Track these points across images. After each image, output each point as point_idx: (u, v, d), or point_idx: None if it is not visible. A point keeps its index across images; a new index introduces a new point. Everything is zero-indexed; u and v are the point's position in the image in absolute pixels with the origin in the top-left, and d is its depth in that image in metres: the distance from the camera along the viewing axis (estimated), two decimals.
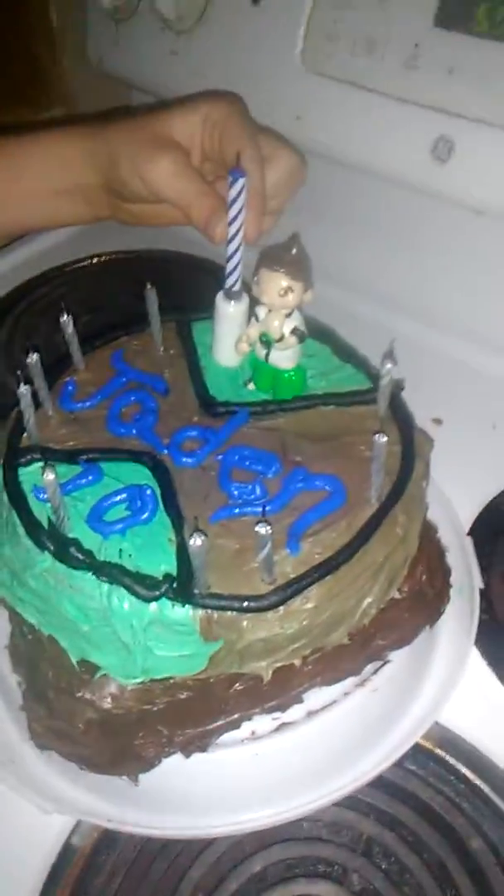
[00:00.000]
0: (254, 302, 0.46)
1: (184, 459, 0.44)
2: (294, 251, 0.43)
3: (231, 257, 0.47)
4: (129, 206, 0.57)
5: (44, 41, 1.02)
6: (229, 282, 0.47)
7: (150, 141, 0.52)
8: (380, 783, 0.46)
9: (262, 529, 0.35)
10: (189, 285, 0.80)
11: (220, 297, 0.48)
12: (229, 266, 0.47)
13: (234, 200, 0.44)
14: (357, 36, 0.61)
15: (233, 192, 0.44)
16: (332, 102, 0.65)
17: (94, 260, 0.85)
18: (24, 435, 0.45)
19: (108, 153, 0.54)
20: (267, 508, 0.40)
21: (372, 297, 0.73)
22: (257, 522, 0.35)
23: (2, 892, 0.43)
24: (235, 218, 0.45)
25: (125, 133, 0.54)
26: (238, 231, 0.46)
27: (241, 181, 0.44)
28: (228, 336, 0.49)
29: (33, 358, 0.44)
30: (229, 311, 0.48)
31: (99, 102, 1.02)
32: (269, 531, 0.35)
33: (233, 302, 0.48)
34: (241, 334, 0.48)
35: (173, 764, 0.43)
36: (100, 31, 0.82)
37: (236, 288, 0.47)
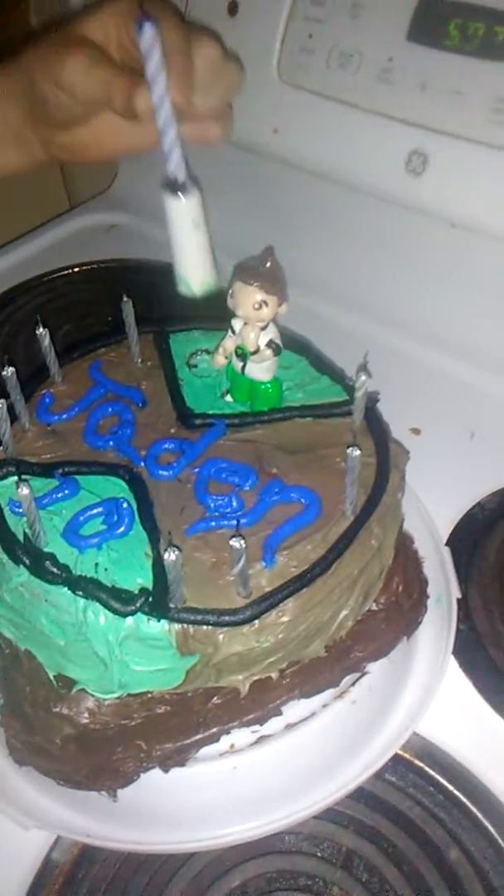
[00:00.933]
0: (230, 315, 0.46)
1: (160, 472, 0.44)
2: (268, 264, 0.44)
3: (164, 133, 0.39)
4: (61, 139, 0.53)
5: (23, 43, 1.03)
6: (170, 167, 0.39)
7: (60, 46, 0.49)
8: (359, 795, 0.46)
9: (237, 543, 0.35)
10: (170, 295, 0.81)
11: (164, 192, 0.39)
12: (164, 145, 0.39)
13: (148, 55, 0.38)
14: (332, 49, 0.62)
15: (144, 44, 0.38)
16: (309, 115, 0.65)
17: (76, 269, 0.85)
18: (0, 448, 0.45)
19: (25, 76, 0.51)
20: (241, 522, 0.40)
21: (350, 308, 0.73)
22: (232, 536, 0.35)
23: None
24: (155, 79, 0.38)
25: (39, 51, 0.51)
26: (163, 97, 0.39)
27: (148, 29, 0.37)
28: (187, 243, 0.41)
29: (8, 371, 0.44)
30: (180, 207, 0.39)
31: None
32: (244, 545, 0.35)
33: (181, 195, 0.39)
34: (219, 346, 0.48)
35: (152, 778, 0.43)
36: None
37: (180, 177, 0.39)
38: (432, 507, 0.58)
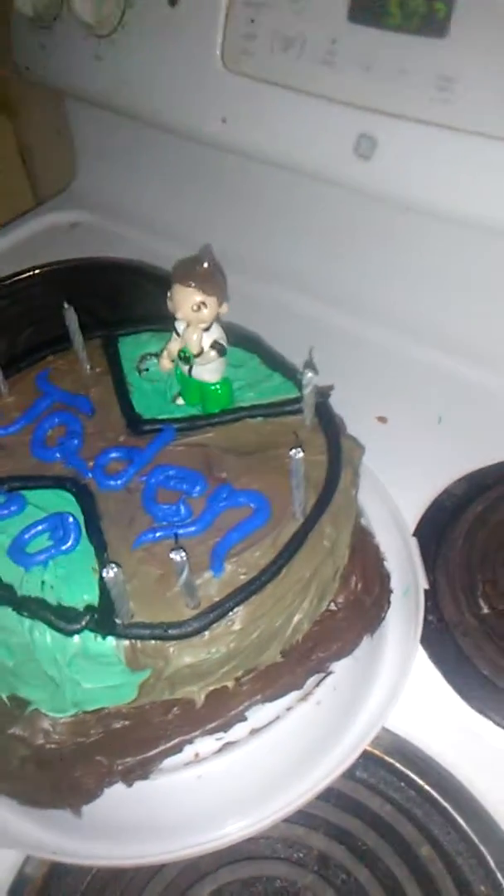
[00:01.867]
0: (171, 318, 0.45)
1: (108, 482, 0.43)
2: (206, 264, 0.43)
3: None
4: None
5: None
6: None
7: None
8: (329, 795, 0.45)
9: (177, 556, 0.35)
10: (131, 292, 0.80)
11: None
12: None
13: None
14: (275, 33, 0.60)
15: None
16: (255, 102, 0.64)
17: (36, 271, 0.84)
18: None
19: None
20: (189, 530, 0.40)
21: (309, 297, 0.72)
22: (172, 549, 0.35)
23: None
24: None
25: None
26: None
27: None
28: None
29: None
30: None
31: (39, 107, 1.01)
32: (184, 557, 0.35)
33: None
34: (163, 349, 0.47)
35: (117, 792, 0.42)
36: (24, 39, 0.80)
37: None
38: (399, 496, 0.57)
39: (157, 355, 0.50)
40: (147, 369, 0.51)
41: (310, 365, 0.43)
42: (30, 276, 0.83)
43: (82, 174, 0.94)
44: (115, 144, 0.86)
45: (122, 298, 0.78)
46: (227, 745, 0.44)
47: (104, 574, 0.34)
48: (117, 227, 0.87)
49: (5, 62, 0.94)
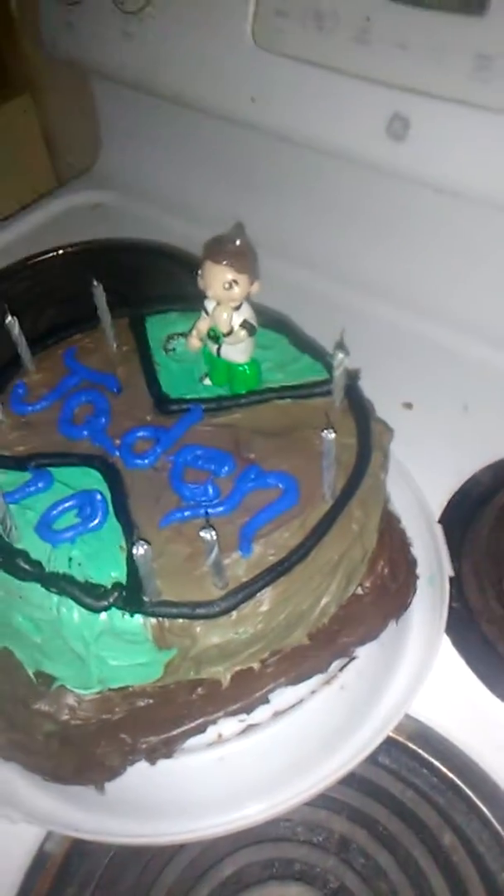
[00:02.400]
0: (197, 299, 0.44)
1: (136, 461, 0.43)
2: (238, 242, 0.42)
3: None
4: None
5: (3, 28, 1.00)
6: None
7: None
8: (351, 780, 0.45)
9: (207, 535, 0.34)
10: (154, 273, 0.79)
11: None
12: None
13: None
14: (307, 10, 0.59)
15: None
16: (286, 81, 0.63)
17: (60, 252, 0.83)
18: None
19: None
20: (217, 510, 0.39)
21: (337, 280, 0.71)
22: (202, 528, 0.34)
23: None
24: None
25: None
26: None
27: None
28: None
29: None
30: None
31: (64, 87, 1.00)
32: (214, 536, 0.34)
33: None
34: (192, 328, 0.47)
35: (140, 771, 0.42)
36: (52, 15, 0.80)
37: None
38: (425, 483, 0.57)
39: (185, 335, 0.49)
40: (174, 349, 0.50)
41: (341, 346, 0.42)
42: (52, 256, 0.83)
43: (106, 154, 0.93)
44: (140, 124, 0.85)
45: (144, 279, 0.78)
46: (250, 727, 0.44)
47: (135, 551, 0.34)
48: (140, 208, 0.86)
49: (31, 40, 0.94)
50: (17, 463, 0.43)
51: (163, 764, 0.42)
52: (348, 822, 0.44)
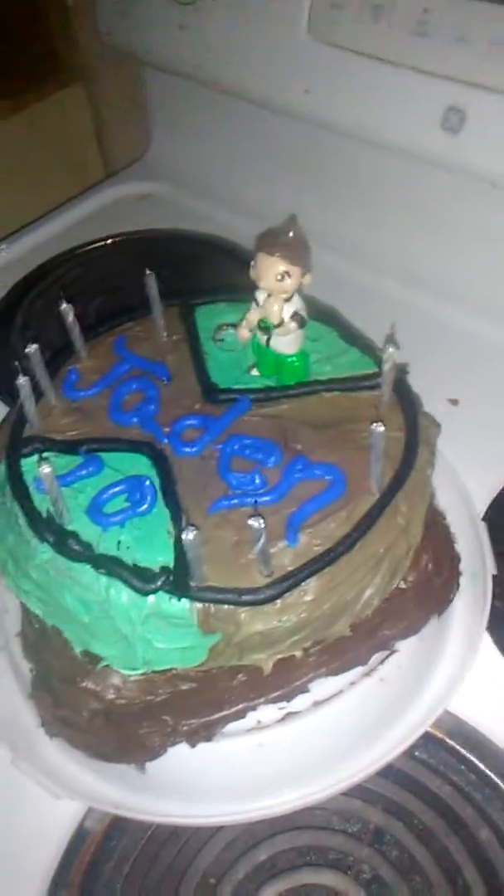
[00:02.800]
0: (248, 288, 0.45)
1: (184, 449, 0.43)
2: (291, 234, 0.42)
3: None
4: None
5: (59, 17, 1.02)
6: None
7: None
8: (388, 772, 0.45)
9: (255, 523, 0.35)
10: (201, 264, 0.80)
11: None
12: None
13: None
14: (364, 2, 0.59)
15: None
16: (340, 73, 0.63)
17: (109, 241, 0.84)
18: (27, 426, 0.45)
19: None
20: (264, 499, 0.40)
21: (387, 274, 0.71)
22: (250, 516, 0.35)
23: (18, 872, 0.44)
24: None
25: None
26: None
27: None
28: None
29: (32, 349, 0.44)
30: None
31: (116, 77, 1.01)
32: (262, 524, 0.35)
33: None
34: (243, 319, 0.47)
35: (180, 752, 0.43)
36: (108, 5, 0.80)
37: None
38: (469, 480, 0.57)
39: (235, 325, 0.50)
40: (223, 339, 0.51)
41: (391, 340, 0.42)
42: (102, 245, 0.84)
43: (156, 145, 0.94)
44: (191, 115, 0.86)
45: (192, 270, 0.78)
46: (290, 715, 0.44)
47: (184, 536, 0.35)
48: (189, 198, 0.86)
49: (85, 29, 0.95)
50: (69, 447, 0.44)
51: (203, 747, 0.43)
52: (384, 814, 0.45)
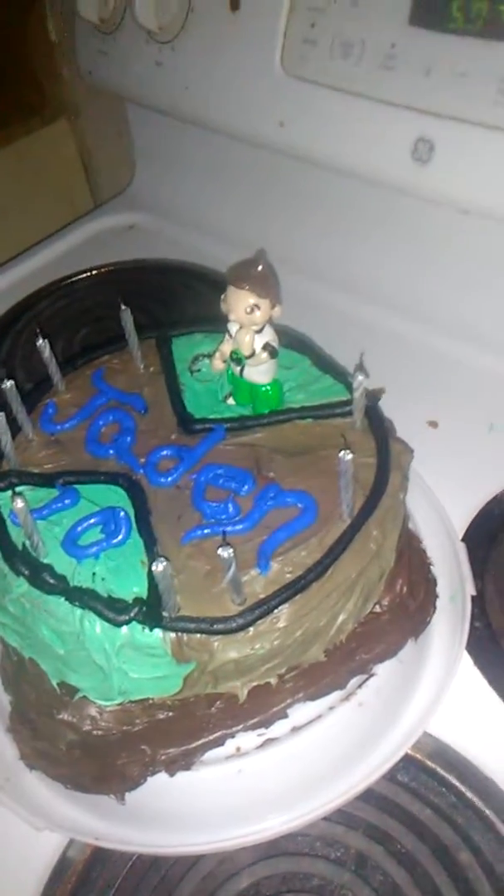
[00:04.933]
0: (223, 319, 0.46)
1: (159, 479, 0.44)
2: (259, 267, 0.43)
3: None
4: None
5: (43, 54, 1.04)
6: None
7: None
8: (369, 796, 0.45)
9: (225, 553, 0.35)
10: (185, 293, 0.81)
11: None
12: None
13: None
14: (334, 39, 0.61)
15: None
16: (314, 107, 0.64)
17: (93, 272, 0.86)
18: (3, 460, 0.46)
19: None
20: (228, 530, 0.40)
21: (363, 300, 0.72)
22: (220, 545, 0.36)
23: None
24: None
25: None
26: None
27: None
28: None
29: (7, 385, 0.45)
30: None
31: (100, 111, 1.03)
32: (231, 554, 0.35)
33: None
34: (216, 350, 0.48)
35: (159, 782, 0.43)
36: (88, 44, 0.82)
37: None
38: (448, 502, 0.57)
39: (210, 356, 0.51)
40: (199, 370, 0.51)
41: (360, 368, 0.43)
42: (87, 276, 0.85)
43: (140, 177, 0.95)
44: (173, 148, 0.87)
45: (175, 300, 0.80)
46: (269, 741, 0.44)
47: (154, 567, 0.35)
48: (173, 229, 0.88)
49: (69, 66, 0.97)
50: (46, 480, 0.44)
51: (182, 776, 0.43)
52: (365, 839, 0.45)
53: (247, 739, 0.44)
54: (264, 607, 0.38)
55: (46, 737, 0.42)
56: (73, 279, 0.84)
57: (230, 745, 0.44)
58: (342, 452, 0.39)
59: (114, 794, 0.43)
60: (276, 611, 0.38)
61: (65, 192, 1.11)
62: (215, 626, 0.37)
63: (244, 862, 0.45)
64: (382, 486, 0.43)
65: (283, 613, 0.38)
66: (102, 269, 0.85)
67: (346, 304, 0.71)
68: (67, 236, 0.92)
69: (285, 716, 0.44)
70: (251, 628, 0.38)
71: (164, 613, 0.37)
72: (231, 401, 0.49)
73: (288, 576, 0.39)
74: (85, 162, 1.13)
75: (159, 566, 0.35)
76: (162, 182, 0.91)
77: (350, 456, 0.39)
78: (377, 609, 0.44)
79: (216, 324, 0.51)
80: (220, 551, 0.35)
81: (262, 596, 0.38)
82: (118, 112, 0.94)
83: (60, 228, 0.94)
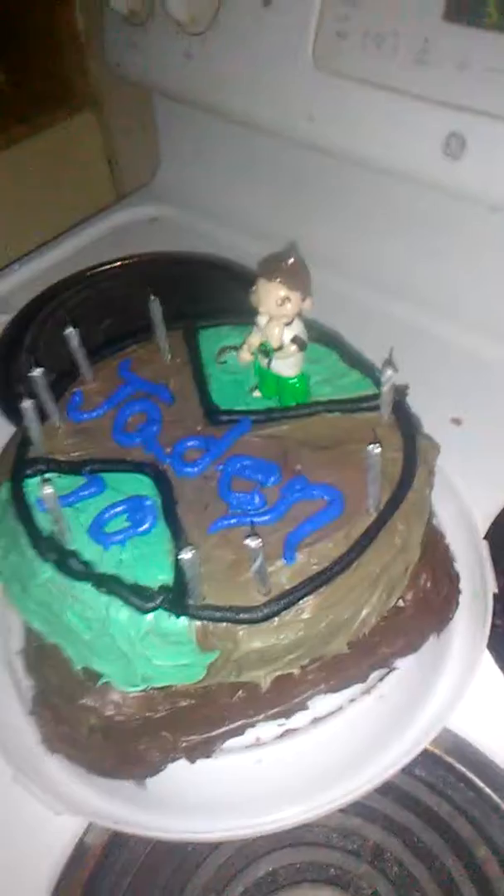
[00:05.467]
0: (253, 311, 0.46)
1: (185, 469, 0.44)
2: (291, 260, 0.43)
3: None
4: None
5: (71, 46, 1.04)
6: None
7: None
8: (387, 789, 0.46)
9: (252, 542, 0.36)
10: (208, 286, 0.81)
11: None
12: None
13: None
14: (367, 32, 0.61)
15: None
16: (344, 101, 0.64)
17: (118, 263, 0.86)
18: (31, 447, 0.46)
19: None
20: (263, 519, 0.40)
21: (389, 296, 0.72)
22: (247, 535, 0.36)
23: (16, 887, 0.45)
24: None
25: None
26: None
27: None
28: None
29: (36, 373, 0.45)
30: None
31: (126, 103, 1.03)
32: (259, 544, 0.36)
33: None
34: (244, 342, 0.48)
35: (179, 769, 0.44)
36: (116, 36, 0.82)
37: None
38: (472, 499, 0.57)
39: (237, 348, 0.51)
40: (225, 361, 0.52)
41: (389, 363, 0.43)
42: (110, 267, 0.85)
43: (165, 169, 0.95)
44: (199, 141, 0.87)
45: (199, 292, 0.80)
46: (289, 732, 0.45)
47: (181, 556, 0.35)
48: (197, 222, 0.88)
49: (96, 58, 0.97)
50: (73, 468, 0.45)
51: (202, 763, 0.44)
52: (383, 831, 0.45)
53: (267, 729, 0.44)
54: (289, 598, 0.38)
55: (68, 721, 0.42)
56: (98, 270, 0.84)
57: (250, 735, 0.44)
58: (371, 446, 0.39)
59: (134, 780, 0.43)
60: (300, 602, 0.38)
61: (88, 184, 1.11)
62: (241, 616, 0.38)
63: (262, 850, 0.45)
64: (409, 480, 0.43)
65: (308, 605, 0.39)
66: (127, 261, 0.85)
67: (372, 300, 0.71)
68: (92, 228, 0.92)
69: (306, 707, 0.44)
70: (276, 618, 0.38)
71: (190, 602, 0.38)
72: (257, 393, 0.49)
73: (314, 567, 0.39)
74: (109, 154, 1.13)
75: (187, 554, 0.35)
76: (187, 175, 0.91)
77: (378, 450, 0.39)
78: (400, 604, 0.44)
79: (241, 316, 0.51)
80: (247, 541, 0.36)
81: (286, 587, 0.39)
82: (144, 104, 0.94)
83: (84, 220, 0.94)
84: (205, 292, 0.80)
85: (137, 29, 0.79)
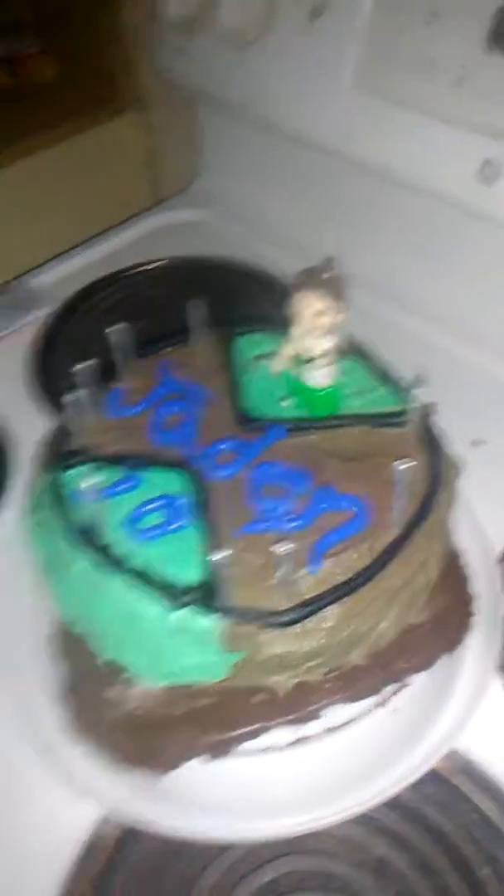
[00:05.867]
0: (283, 322, 0.47)
1: (218, 471, 0.45)
2: (328, 274, 0.44)
3: None
4: None
5: (117, 47, 1.06)
6: None
7: None
8: (395, 804, 0.46)
9: (282, 549, 0.36)
10: (241, 293, 0.82)
11: None
12: None
13: None
14: (409, 55, 0.61)
15: None
16: (383, 120, 0.65)
17: (154, 265, 0.87)
18: (70, 439, 0.47)
19: None
20: (290, 526, 0.41)
21: (418, 315, 0.73)
22: (276, 541, 0.36)
23: (28, 879, 0.45)
24: None
25: None
26: None
27: None
28: None
29: (84, 365, 0.46)
30: None
31: (169, 107, 1.05)
32: (288, 550, 0.36)
33: None
34: (278, 351, 0.49)
35: (192, 768, 0.44)
36: (168, 42, 0.84)
37: None
38: (491, 521, 0.57)
39: (269, 356, 0.52)
40: (259, 369, 0.52)
41: (419, 380, 0.44)
42: (145, 269, 0.87)
43: (205, 176, 0.97)
44: (240, 149, 0.89)
45: (231, 298, 0.81)
46: (302, 739, 0.45)
47: (213, 556, 0.36)
48: (233, 229, 0.89)
49: (143, 61, 0.99)
50: (110, 462, 0.46)
51: (216, 764, 0.44)
52: (388, 845, 0.45)
53: (281, 735, 0.45)
54: (315, 605, 0.39)
55: (92, 711, 0.43)
56: (134, 271, 0.85)
57: (264, 740, 0.45)
58: (400, 462, 0.39)
59: (151, 774, 0.44)
60: (324, 610, 0.39)
61: (128, 185, 1.12)
62: (267, 619, 0.38)
63: (268, 856, 0.45)
64: (433, 499, 0.43)
65: (331, 614, 0.39)
66: (163, 263, 0.86)
67: (402, 317, 0.72)
68: (128, 230, 0.93)
69: (320, 716, 0.45)
70: (300, 625, 0.39)
71: (218, 602, 0.38)
72: (288, 402, 0.50)
73: (339, 577, 0.40)
74: (150, 156, 1.14)
75: (218, 555, 0.36)
76: (227, 182, 0.92)
77: (406, 466, 0.39)
78: (418, 620, 0.45)
79: (275, 325, 0.52)
80: (276, 547, 0.36)
81: (308, 595, 0.39)
82: (188, 109, 0.95)
83: (122, 221, 0.96)
84: (237, 299, 0.81)
85: (188, 36, 0.80)
